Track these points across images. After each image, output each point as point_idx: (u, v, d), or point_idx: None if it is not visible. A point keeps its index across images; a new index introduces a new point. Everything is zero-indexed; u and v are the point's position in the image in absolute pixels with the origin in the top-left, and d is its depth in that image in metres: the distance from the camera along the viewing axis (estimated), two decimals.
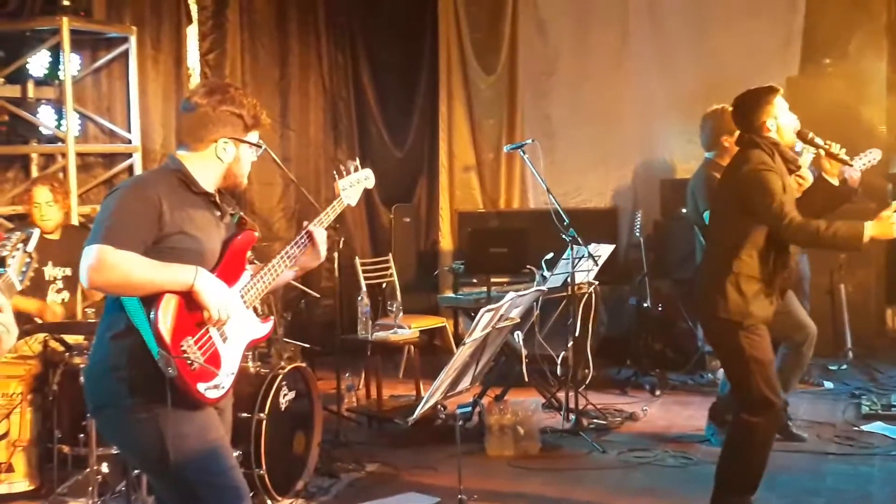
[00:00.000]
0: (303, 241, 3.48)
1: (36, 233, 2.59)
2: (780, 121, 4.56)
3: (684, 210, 8.17)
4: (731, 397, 5.23)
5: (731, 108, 5.52)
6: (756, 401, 4.49)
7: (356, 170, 3.77)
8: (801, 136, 4.62)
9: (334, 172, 3.74)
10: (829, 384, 7.62)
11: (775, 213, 4.33)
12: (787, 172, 4.54)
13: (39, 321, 5.74)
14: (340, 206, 3.64)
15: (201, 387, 3.12)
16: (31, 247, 2.52)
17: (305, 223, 3.53)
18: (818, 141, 4.64)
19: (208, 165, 3.29)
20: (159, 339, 3.03)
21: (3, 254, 2.48)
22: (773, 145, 4.51)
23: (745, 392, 4.55)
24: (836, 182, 4.68)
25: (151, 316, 3.04)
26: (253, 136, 3.35)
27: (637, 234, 7.87)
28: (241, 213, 3.52)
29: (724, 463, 4.66)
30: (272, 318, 3.55)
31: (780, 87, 4.73)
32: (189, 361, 3.06)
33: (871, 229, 4.22)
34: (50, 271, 5.83)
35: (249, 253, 3.47)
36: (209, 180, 3.30)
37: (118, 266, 3.00)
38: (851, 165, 4.70)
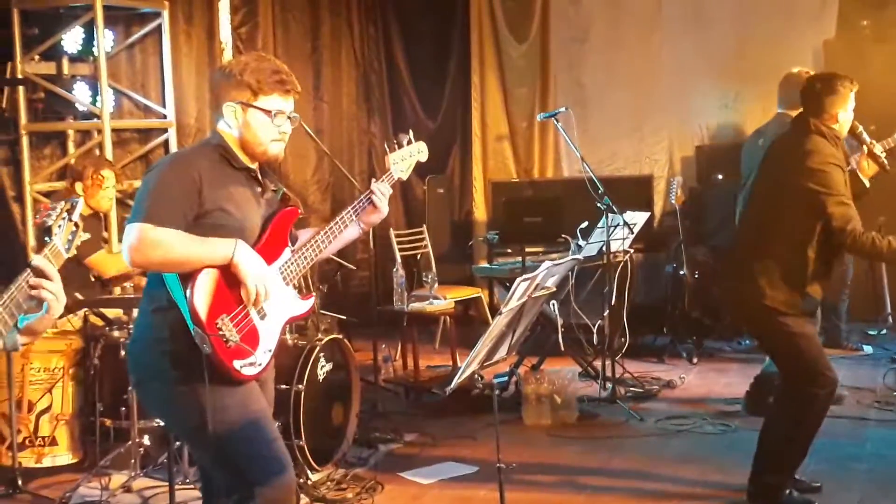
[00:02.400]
0: (361, 204, 3.46)
1: (80, 202, 2.61)
2: (847, 115, 4.48)
3: (720, 176, 8.13)
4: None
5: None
6: (818, 374, 4.41)
7: (409, 143, 3.67)
8: (852, 129, 4.54)
9: (385, 146, 3.69)
10: (868, 349, 7.58)
11: (841, 216, 4.26)
12: (845, 165, 4.46)
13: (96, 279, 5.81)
14: (390, 181, 3.56)
15: (237, 364, 3.13)
16: (76, 216, 2.54)
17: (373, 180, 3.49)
18: (866, 137, 4.58)
19: (233, 137, 3.26)
20: (194, 316, 3.04)
21: (49, 223, 2.50)
22: (836, 139, 4.43)
23: (804, 370, 4.44)
24: (867, 183, 4.61)
25: (187, 293, 3.05)
26: (268, 102, 3.21)
27: (672, 201, 7.82)
28: (285, 189, 3.51)
29: (781, 441, 4.55)
30: (313, 295, 3.54)
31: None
32: (224, 339, 3.07)
33: None
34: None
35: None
36: (242, 153, 3.28)
37: (158, 244, 3.02)
38: (887, 171, 4.63)
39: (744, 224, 4.78)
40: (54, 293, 2.41)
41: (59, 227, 2.50)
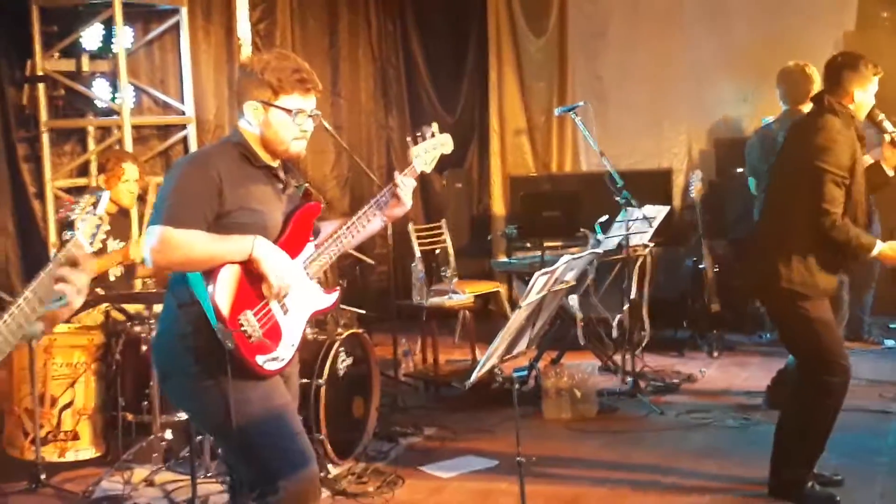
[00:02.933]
0: (384, 198, 3.44)
1: (105, 195, 2.60)
2: (866, 97, 4.47)
3: (740, 170, 8.09)
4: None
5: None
6: (832, 361, 4.42)
7: (432, 135, 3.63)
8: (871, 115, 4.52)
9: (408, 139, 3.67)
10: (890, 342, 7.55)
11: (831, 198, 4.29)
12: (859, 145, 4.43)
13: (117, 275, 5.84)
14: (413, 174, 3.54)
15: (260, 359, 3.14)
16: (100, 210, 2.54)
17: (396, 174, 3.48)
18: (887, 125, 4.56)
19: (254, 135, 3.27)
20: (216, 312, 3.06)
21: (73, 217, 2.50)
22: (850, 117, 4.42)
23: (818, 355, 4.45)
24: (891, 172, 4.59)
25: (209, 289, 3.07)
26: (289, 101, 3.21)
27: (692, 194, 7.80)
28: (307, 185, 3.51)
29: (799, 433, 4.55)
30: (338, 288, 3.54)
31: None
32: (247, 334, 3.08)
33: (880, 249, 4.35)
34: (111, 244, 5.91)
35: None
36: (263, 151, 3.29)
37: (180, 246, 3.04)
38: None
39: (763, 209, 4.78)
40: (78, 285, 2.41)
41: (84, 220, 2.50)
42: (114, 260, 5.78)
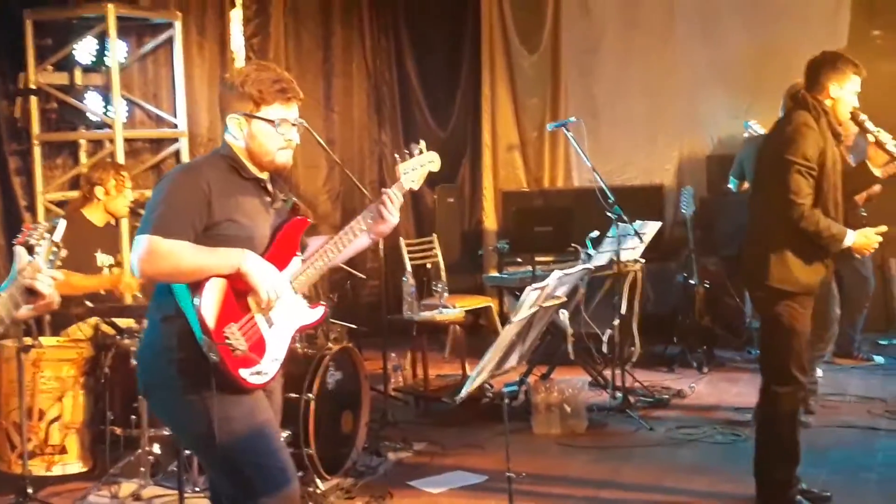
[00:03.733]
0: (370, 214, 3.42)
1: (62, 223, 2.67)
2: (843, 94, 4.49)
3: (731, 186, 8.12)
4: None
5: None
6: (785, 372, 4.51)
7: (420, 153, 3.62)
8: (853, 116, 4.55)
9: (396, 155, 3.68)
10: (879, 359, 7.55)
11: (797, 188, 4.33)
12: (833, 140, 4.46)
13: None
14: (401, 190, 3.51)
15: (244, 373, 3.13)
16: (57, 236, 2.61)
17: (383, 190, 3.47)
18: (869, 125, 4.58)
19: (240, 148, 3.26)
20: (202, 325, 3.05)
21: (32, 242, 2.57)
22: (824, 112, 4.46)
23: (776, 361, 4.56)
24: (878, 172, 4.61)
25: (195, 302, 3.06)
26: (271, 111, 3.21)
27: (683, 210, 7.82)
28: (295, 199, 3.52)
29: (760, 438, 4.70)
30: (323, 304, 3.53)
31: None
32: (232, 348, 3.08)
33: (853, 239, 4.39)
34: (100, 258, 5.90)
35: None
36: (251, 163, 3.28)
37: (168, 256, 3.04)
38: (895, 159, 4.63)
39: (749, 211, 4.81)
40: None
41: (41, 245, 2.58)
42: (103, 283, 5.77)
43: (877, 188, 6.15)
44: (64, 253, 2.68)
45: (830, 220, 4.39)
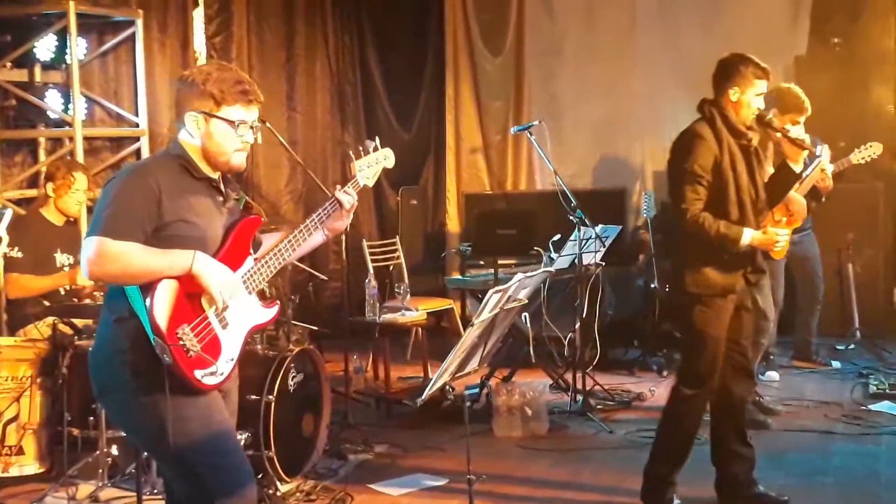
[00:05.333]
0: (325, 211, 3.45)
1: (8, 213, 2.62)
2: (745, 98, 4.51)
3: None
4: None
5: (786, 86, 5.56)
6: (693, 375, 4.59)
7: (375, 150, 3.68)
8: (759, 118, 4.58)
9: (350, 153, 3.68)
10: (836, 364, 7.62)
11: (680, 196, 4.43)
12: (736, 146, 4.49)
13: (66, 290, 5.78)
14: (356, 188, 3.56)
15: (198, 374, 3.11)
16: (1, 229, 2.56)
17: (339, 188, 3.50)
18: (776, 124, 4.64)
19: (195, 147, 3.25)
20: (154, 326, 3.03)
21: None
22: (723, 117, 4.50)
23: (686, 364, 4.66)
24: (798, 168, 4.65)
25: (147, 303, 3.04)
26: (232, 112, 3.21)
27: (644, 214, 7.85)
28: (248, 198, 3.50)
29: (658, 433, 4.80)
30: (277, 302, 3.52)
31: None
32: (185, 349, 3.06)
33: (751, 238, 4.41)
34: (59, 258, 5.84)
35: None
36: (204, 163, 3.27)
37: (117, 257, 3.01)
38: (809, 149, 4.66)
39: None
40: None
41: None
42: (59, 282, 5.71)
43: (828, 183, 6.21)
44: (6, 244, 2.63)
45: (722, 221, 4.41)
